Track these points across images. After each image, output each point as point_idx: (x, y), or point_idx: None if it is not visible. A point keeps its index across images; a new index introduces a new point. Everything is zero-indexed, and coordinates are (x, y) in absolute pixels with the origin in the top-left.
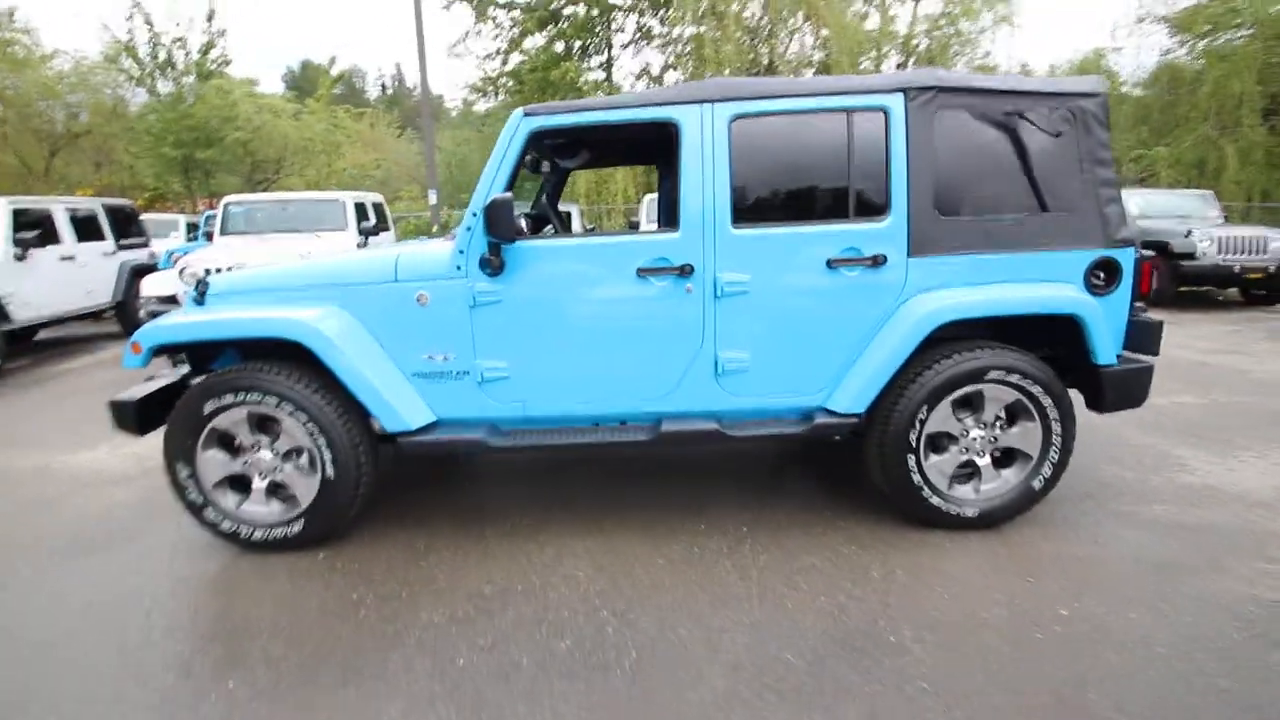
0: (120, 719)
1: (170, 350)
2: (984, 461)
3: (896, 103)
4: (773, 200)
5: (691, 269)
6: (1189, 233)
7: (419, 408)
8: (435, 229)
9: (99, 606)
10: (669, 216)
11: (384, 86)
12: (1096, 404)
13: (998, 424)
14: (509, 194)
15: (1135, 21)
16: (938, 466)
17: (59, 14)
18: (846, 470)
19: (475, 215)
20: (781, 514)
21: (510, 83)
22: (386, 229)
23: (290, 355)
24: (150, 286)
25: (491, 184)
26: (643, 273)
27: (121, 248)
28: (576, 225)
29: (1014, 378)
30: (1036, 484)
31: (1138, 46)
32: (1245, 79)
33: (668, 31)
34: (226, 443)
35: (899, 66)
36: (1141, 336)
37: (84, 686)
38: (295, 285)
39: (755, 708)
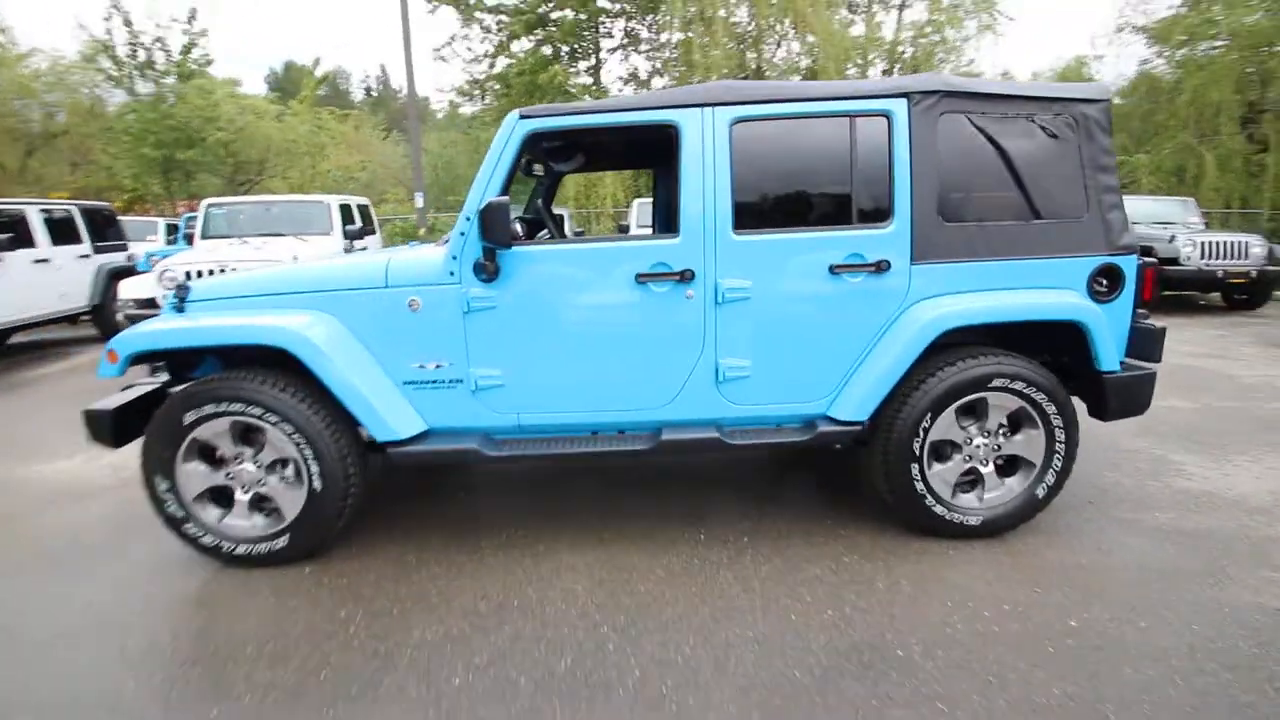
0: None
1: (148, 358)
2: (987, 469)
3: (900, 107)
4: (774, 205)
5: (692, 274)
6: (1173, 238)
7: (410, 417)
8: (422, 232)
9: (70, 629)
10: (667, 221)
11: (369, 89)
12: (1100, 411)
13: (1001, 431)
14: (505, 198)
15: (1114, 31)
16: (941, 475)
17: (36, 11)
18: (845, 477)
19: (469, 219)
20: (781, 523)
21: (497, 86)
22: (372, 232)
23: (275, 363)
24: (128, 290)
25: (486, 187)
26: (642, 278)
27: (98, 250)
28: (566, 229)
29: (1018, 385)
30: (1040, 492)
31: (1118, 55)
32: (1223, 88)
33: (656, 37)
34: (208, 454)
35: (885, 73)
36: (1144, 343)
37: None
38: (280, 290)
39: None
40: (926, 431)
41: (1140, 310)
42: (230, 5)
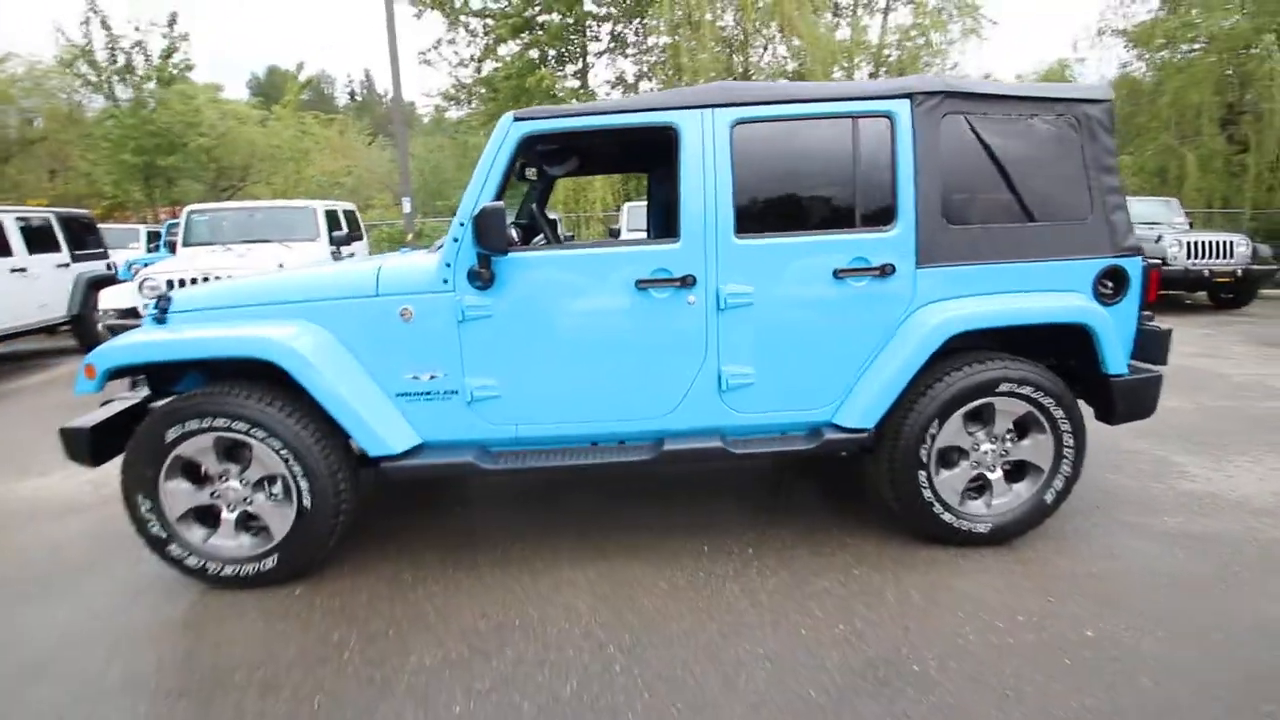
0: None
1: (128, 372)
2: (995, 475)
3: (902, 108)
4: (776, 208)
5: (693, 280)
6: (1159, 238)
7: (403, 430)
8: (410, 237)
9: (47, 655)
10: (664, 225)
11: (353, 93)
12: (1107, 415)
13: (1008, 437)
14: (500, 203)
15: (1095, 34)
16: (949, 482)
17: (12, 15)
18: (848, 484)
19: (463, 225)
20: (786, 533)
21: (484, 90)
22: (359, 238)
23: (261, 376)
24: (109, 299)
25: (480, 192)
26: (642, 284)
27: (77, 259)
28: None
29: (1026, 389)
30: (1049, 497)
31: (1099, 58)
32: (1203, 90)
33: (643, 40)
34: (192, 472)
35: (871, 76)
36: (1150, 345)
37: None
38: (266, 300)
39: None
40: (934, 438)
41: (1145, 312)
42: (211, 9)
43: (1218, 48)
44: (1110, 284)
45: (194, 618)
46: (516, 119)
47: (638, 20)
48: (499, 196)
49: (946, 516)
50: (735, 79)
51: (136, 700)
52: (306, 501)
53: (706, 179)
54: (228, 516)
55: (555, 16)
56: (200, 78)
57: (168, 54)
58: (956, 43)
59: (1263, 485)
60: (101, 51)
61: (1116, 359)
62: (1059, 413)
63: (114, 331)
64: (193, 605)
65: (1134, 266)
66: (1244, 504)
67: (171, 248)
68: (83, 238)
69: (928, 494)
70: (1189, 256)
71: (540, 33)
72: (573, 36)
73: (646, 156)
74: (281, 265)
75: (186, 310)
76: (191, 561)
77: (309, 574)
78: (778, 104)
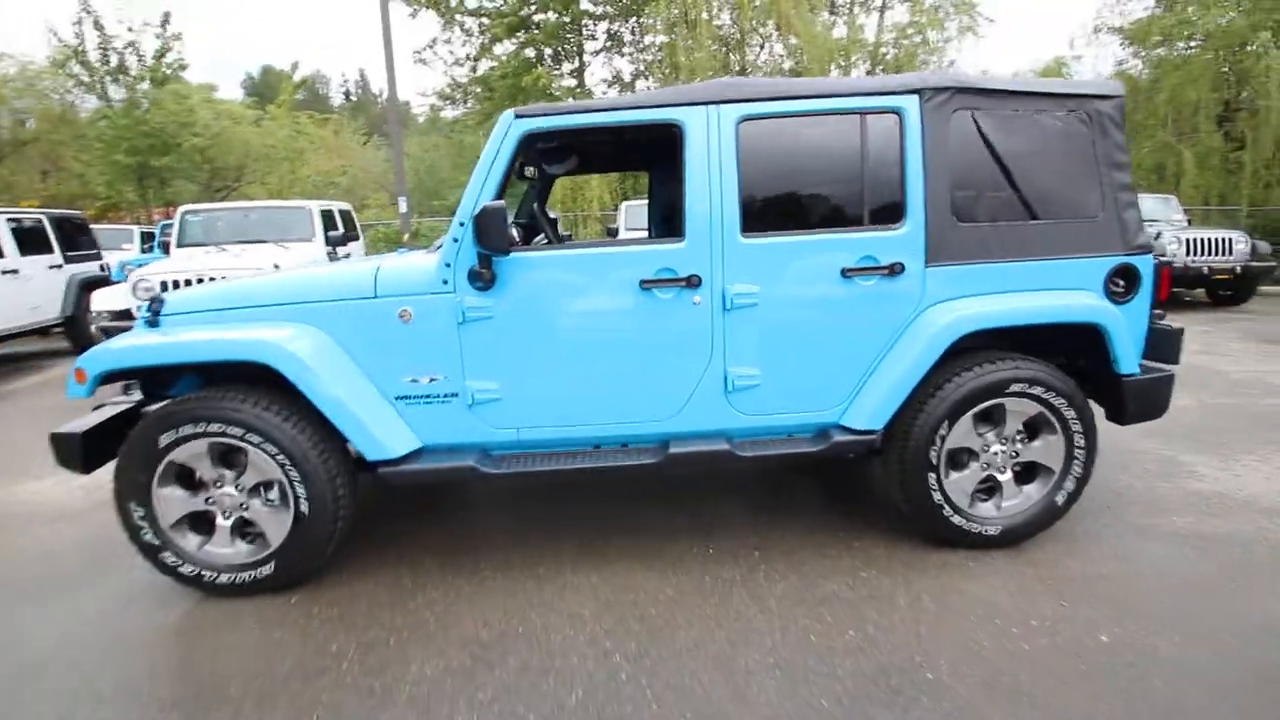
0: None
1: (120, 376)
2: (1005, 477)
3: (911, 104)
4: (783, 207)
5: (699, 280)
6: (1158, 235)
7: (403, 434)
8: (406, 237)
9: (37, 665)
10: (666, 225)
11: (348, 93)
12: (1118, 415)
13: (1019, 438)
14: (501, 202)
15: (1092, 32)
16: (958, 484)
17: (3, 15)
18: (854, 484)
19: (463, 225)
20: (792, 535)
21: (480, 89)
22: (355, 238)
23: (257, 379)
24: (102, 301)
25: (480, 191)
26: (646, 285)
27: (70, 260)
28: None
29: (1037, 390)
30: (1059, 499)
31: (1096, 56)
32: (1200, 87)
33: (639, 39)
34: (186, 478)
35: (868, 74)
36: (1162, 344)
37: None
38: (261, 302)
39: None
40: (944, 439)
41: (1156, 311)
42: (205, 9)
43: (1214, 45)
44: (1122, 282)
45: (188, 626)
46: (518, 116)
47: (634, 19)
48: (500, 195)
49: (956, 519)
50: (733, 77)
51: (129, 709)
52: (304, 507)
53: (712, 177)
54: (223, 523)
55: (551, 15)
56: (194, 77)
57: (161, 54)
58: (953, 40)
59: (1270, 484)
60: (94, 52)
61: (1129, 358)
62: (1070, 413)
63: (108, 334)
64: (187, 613)
65: (1145, 265)
66: (1252, 503)
67: (165, 248)
68: (75, 239)
69: (937, 496)
70: (1188, 253)
71: (536, 31)
72: (569, 35)
73: (648, 154)
74: (277, 266)
75: (180, 312)
76: (186, 569)
77: (306, 581)
78: (784, 100)
